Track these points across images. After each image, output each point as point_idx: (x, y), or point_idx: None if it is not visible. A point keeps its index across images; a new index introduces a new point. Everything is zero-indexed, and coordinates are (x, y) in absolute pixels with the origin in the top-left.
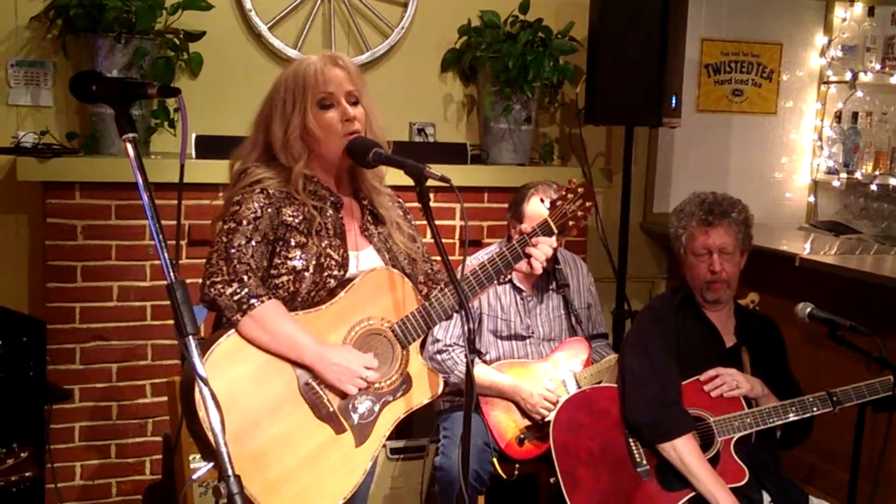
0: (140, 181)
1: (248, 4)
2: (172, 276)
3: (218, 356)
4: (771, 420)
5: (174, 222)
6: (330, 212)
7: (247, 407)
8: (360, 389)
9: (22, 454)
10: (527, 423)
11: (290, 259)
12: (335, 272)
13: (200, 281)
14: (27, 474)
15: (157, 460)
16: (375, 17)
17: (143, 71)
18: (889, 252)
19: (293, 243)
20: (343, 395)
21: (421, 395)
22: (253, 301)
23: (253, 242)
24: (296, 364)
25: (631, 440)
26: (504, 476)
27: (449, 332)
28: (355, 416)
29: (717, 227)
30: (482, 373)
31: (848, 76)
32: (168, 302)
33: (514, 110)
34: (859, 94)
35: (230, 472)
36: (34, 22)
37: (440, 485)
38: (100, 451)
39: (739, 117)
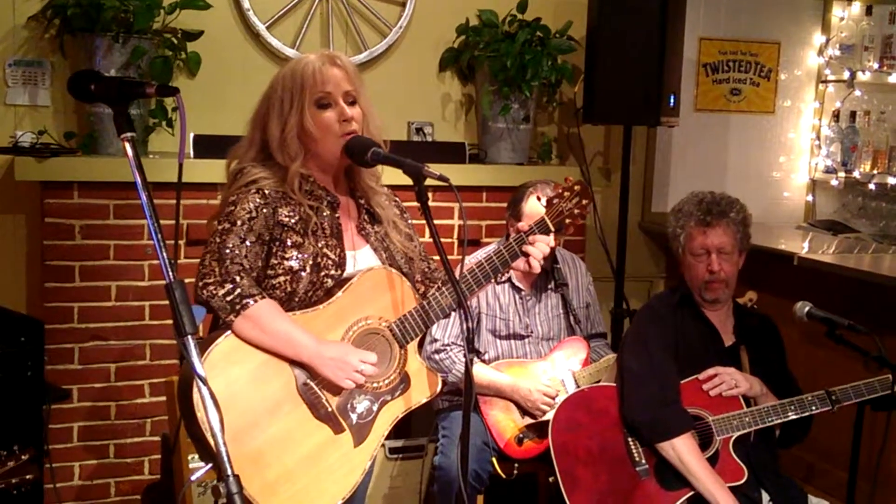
0: (138, 181)
1: (246, 4)
2: (171, 276)
3: (216, 357)
4: (770, 419)
5: (173, 222)
6: (326, 212)
7: (245, 407)
8: (358, 387)
9: (23, 457)
10: (526, 422)
11: (287, 259)
12: (332, 272)
13: (194, 281)
14: (28, 477)
15: (156, 460)
16: (374, 17)
17: (141, 70)
18: (887, 251)
19: (289, 243)
20: (341, 394)
21: (419, 394)
22: (246, 301)
23: (247, 243)
24: (294, 364)
25: (630, 439)
26: (503, 475)
27: (447, 331)
28: (354, 416)
29: (716, 227)
30: (481, 372)
31: (846, 75)
32: (167, 302)
33: (513, 109)
34: (857, 93)
35: (229, 472)
36: (32, 21)
37: (439, 484)
38: (98, 451)
39: (737, 116)
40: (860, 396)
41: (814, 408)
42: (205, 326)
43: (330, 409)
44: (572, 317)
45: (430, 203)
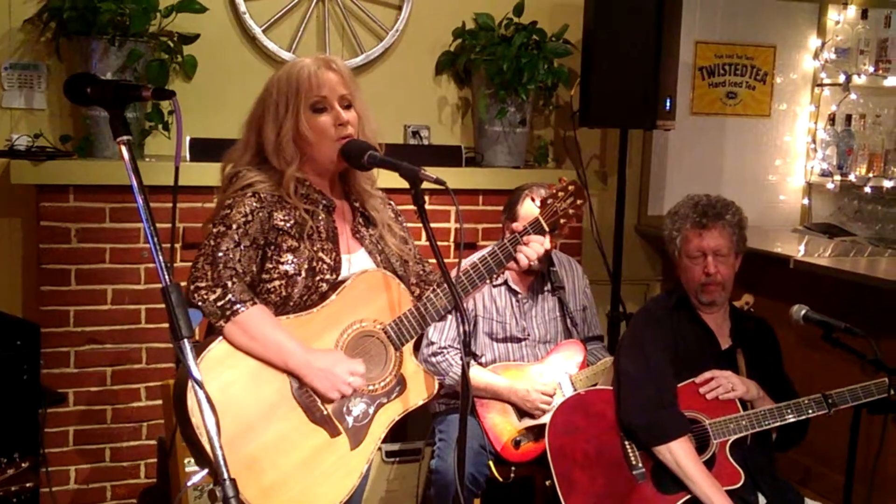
0: (134, 184)
1: (242, 7)
2: (167, 280)
3: (210, 361)
4: (766, 422)
5: (169, 225)
6: (322, 215)
7: (240, 411)
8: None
9: (23, 464)
10: (523, 425)
11: (282, 263)
12: (327, 276)
13: (185, 284)
14: (28, 485)
15: (152, 464)
16: (370, 20)
17: (137, 74)
18: (883, 254)
19: (285, 247)
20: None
21: (416, 396)
22: (237, 307)
23: (241, 247)
24: None
25: (626, 443)
26: (500, 479)
27: (444, 334)
28: (350, 419)
29: (711, 230)
30: (478, 375)
31: (841, 79)
32: (163, 305)
33: (509, 113)
34: (853, 96)
35: (226, 476)
36: (27, 24)
37: (436, 488)
38: (94, 455)
39: (733, 120)
40: (857, 400)
41: (810, 411)
42: (201, 330)
43: (325, 413)
44: (569, 320)
45: (427, 206)
